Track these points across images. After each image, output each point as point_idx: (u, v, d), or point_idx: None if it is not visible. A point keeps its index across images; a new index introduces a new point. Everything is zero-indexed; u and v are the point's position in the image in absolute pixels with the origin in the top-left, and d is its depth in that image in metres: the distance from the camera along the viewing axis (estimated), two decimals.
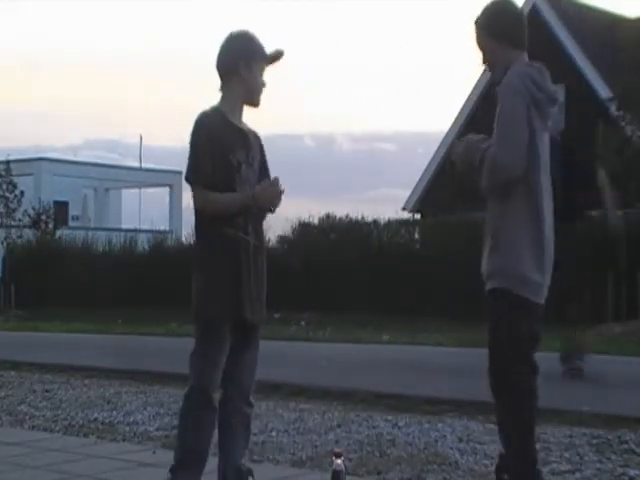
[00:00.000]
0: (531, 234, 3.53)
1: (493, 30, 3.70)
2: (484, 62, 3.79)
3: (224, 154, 3.75)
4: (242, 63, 3.80)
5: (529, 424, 3.58)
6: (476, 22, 3.77)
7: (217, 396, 3.81)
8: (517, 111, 3.51)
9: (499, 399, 3.58)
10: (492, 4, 3.76)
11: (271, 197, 3.78)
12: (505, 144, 3.49)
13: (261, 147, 3.96)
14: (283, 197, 3.80)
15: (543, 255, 3.55)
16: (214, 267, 3.78)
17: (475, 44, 3.79)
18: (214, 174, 3.72)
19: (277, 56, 3.90)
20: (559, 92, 3.74)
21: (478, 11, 3.80)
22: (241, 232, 3.78)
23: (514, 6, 3.80)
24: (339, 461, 3.84)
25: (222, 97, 3.88)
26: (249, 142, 3.87)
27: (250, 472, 3.94)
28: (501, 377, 3.55)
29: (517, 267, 3.52)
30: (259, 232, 3.94)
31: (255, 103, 3.91)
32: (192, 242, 23.74)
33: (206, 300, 3.79)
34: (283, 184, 3.78)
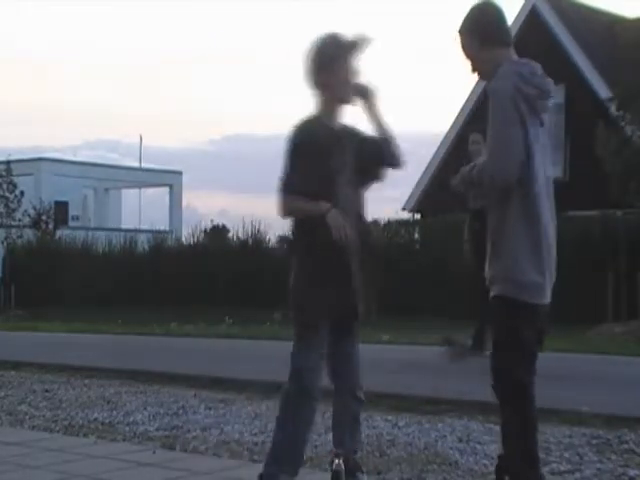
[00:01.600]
0: (529, 238, 3.51)
1: (478, 36, 3.65)
2: (474, 70, 3.74)
3: (323, 163, 3.78)
4: (321, 71, 3.82)
5: (535, 424, 3.57)
6: (460, 32, 3.72)
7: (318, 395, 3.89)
8: (507, 115, 3.47)
9: (504, 400, 3.55)
10: (472, 10, 3.71)
11: (337, 228, 3.71)
12: (497, 151, 3.46)
13: (356, 139, 3.93)
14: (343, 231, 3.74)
15: (542, 257, 3.53)
16: (315, 265, 3.81)
17: (462, 54, 3.74)
18: (313, 183, 3.73)
19: (361, 44, 3.87)
20: (551, 85, 3.64)
21: (459, 20, 3.72)
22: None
23: (493, 6, 3.73)
24: (339, 461, 3.84)
25: (315, 102, 3.89)
26: (345, 145, 3.87)
27: (359, 468, 3.97)
28: (507, 378, 3.53)
29: (515, 273, 3.50)
30: (362, 229, 3.92)
31: (345, 100, 3.90)
32: (192, 242, 23.86)
33: (308, 299, 3.81)
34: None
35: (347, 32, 3.88)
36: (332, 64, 3.83)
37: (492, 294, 3.59)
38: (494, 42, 3.65)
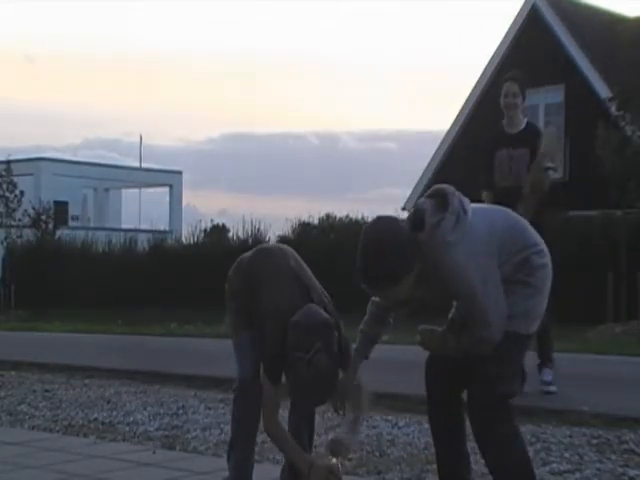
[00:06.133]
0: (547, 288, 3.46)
1: (403, 270, 3.38)
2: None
3: None
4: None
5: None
6: (378, 279, 3.38)
7: None
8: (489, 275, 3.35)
9: (498, 428, 3.52)
10: (376, 253, 3.41)
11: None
12: (496, 318, 3.35)
13: None
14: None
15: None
16: None
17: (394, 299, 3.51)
18: None
19: None
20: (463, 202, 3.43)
21: (368, 269, 3.38)
22: None
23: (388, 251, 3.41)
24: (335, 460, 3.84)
25: None
26: None
27: None
28: (500, 406, 3.49)
29: (538, 311, 3.44)
30: None
31: None
32: (192, 242, 23.85)
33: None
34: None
35: None
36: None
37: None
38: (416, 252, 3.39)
